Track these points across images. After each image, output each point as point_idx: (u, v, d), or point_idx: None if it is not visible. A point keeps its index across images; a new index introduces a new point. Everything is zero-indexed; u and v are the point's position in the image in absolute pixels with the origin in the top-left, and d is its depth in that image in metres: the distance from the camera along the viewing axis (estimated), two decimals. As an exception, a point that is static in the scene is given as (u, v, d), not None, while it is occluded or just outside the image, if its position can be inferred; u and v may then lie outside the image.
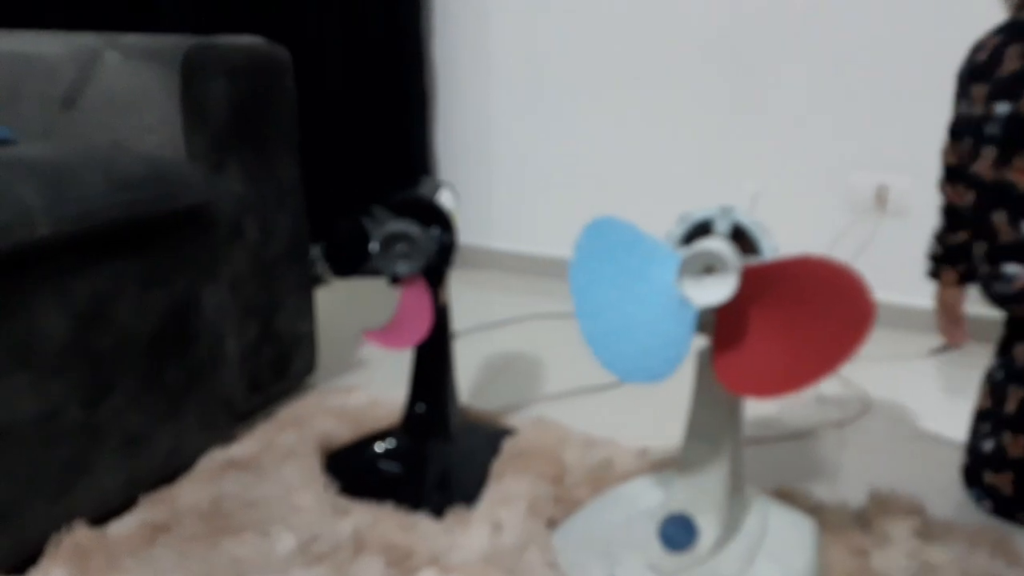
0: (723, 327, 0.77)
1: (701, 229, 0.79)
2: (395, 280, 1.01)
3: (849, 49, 1.62)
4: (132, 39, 1.07)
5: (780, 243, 0.78)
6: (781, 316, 0.74)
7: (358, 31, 1.93)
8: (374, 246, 0.97)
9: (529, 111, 1.98)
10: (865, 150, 1.66)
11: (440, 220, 0.99)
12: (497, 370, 1.48)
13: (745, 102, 1.74)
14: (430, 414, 1.10)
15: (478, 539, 0.95)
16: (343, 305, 1.44)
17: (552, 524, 0.98)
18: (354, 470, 1.08)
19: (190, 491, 1.03)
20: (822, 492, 1.07)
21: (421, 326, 1.01)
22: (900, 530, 0.97)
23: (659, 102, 1.83)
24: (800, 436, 1.25)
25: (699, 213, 0.78)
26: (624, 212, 1.87)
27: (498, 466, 1.09)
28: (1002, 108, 0.95)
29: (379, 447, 1.10)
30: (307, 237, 1.31)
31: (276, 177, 1.23)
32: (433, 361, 1.09)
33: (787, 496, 1.03)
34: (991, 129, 0.96)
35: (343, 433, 1.19)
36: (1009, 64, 0.94)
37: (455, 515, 1.00)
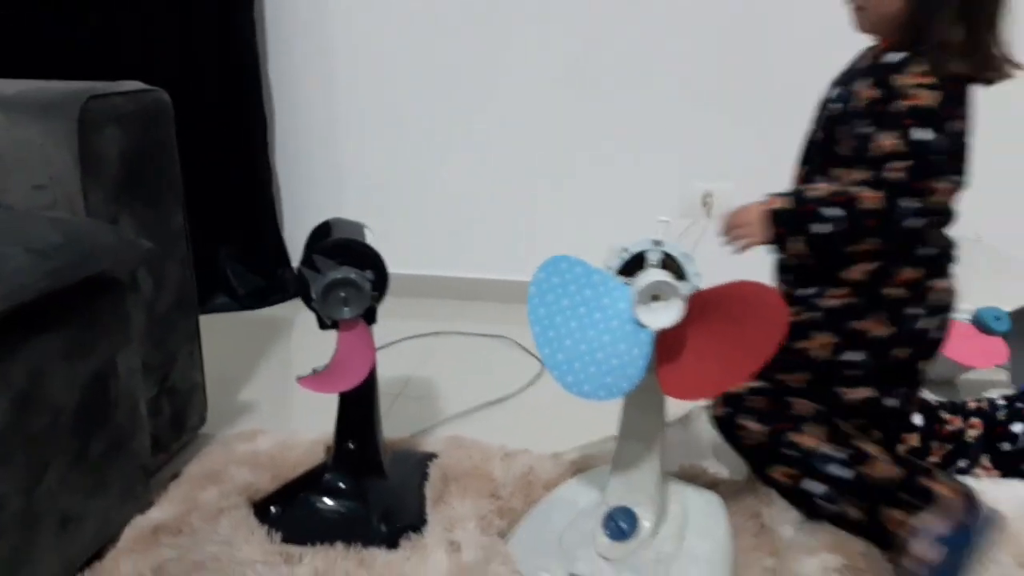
0: (665, 343, 0.89)
1: (635, 260, 0.91)
2: (331, 324, 1.03)
3: (680, 80, 1.84)
4: (9, 91, 0.99)
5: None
6: (714, 331, 0.88)
7: (192, 59, 1.86)
8: (316, 294, 0.99)
9: (377, 128, 2.01)
10: (693, 163, 1.89)
11: (374, 262, 1.03)
12: (392, 396, 1.52)
13: (592, 122, 1.90)
14: (361, 450, 1.13)
15: (440, 561, 1.01)
16: (205, 348, 1.41)
17: (502, 535, 1.06)
18: (294, 516, 1.08)
19: (127, 564, 0.98)
20: (712, 467, 1.24)
21: (363, 367, 1.04)
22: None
23: (511, 118, 1.95)
24: (683, 421, 1.42)
25: (634, 247, 0.90)
26: (477, 227, 1.98)
27: (432, 490, 1.15)
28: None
29: (314, 489, 1.11)
30: (194, 283, 1.27)
31: (164, 225, 1.18)
32: (361, 398, 1.12)
33: (691, 475, 1.19)
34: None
35: (263, 481, 1.17)
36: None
37: (409, 543, 1.04)
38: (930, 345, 1.10)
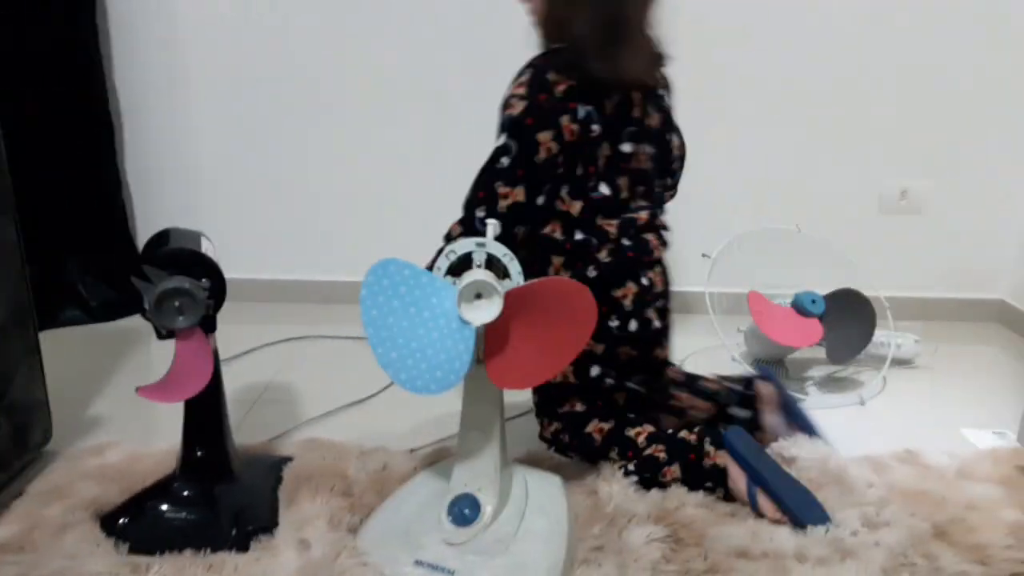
0: (490, 338, 0.96)
1: (463, 260, 0.97)
2: (168, 335, 1.04)
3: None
4: None
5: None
6: (533, 324, 0.95)
7: (29, 64, 1.78)
8: (148, 304, 0.99)
9: (232, 132, 1.99)
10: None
11: (210, 270, 1.04)
12: (248, 403, 1.53)
13: (435, 126, 1.96)
14: (209, 456, 1.14)
15: (290, 559, 1.04)
16: (54, 362, 1.37)
17: (353, 530, 1.10)
18: (142, 526, 1.08)
19: (-38, 588, 0.96)
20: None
21: (202, 376, 1.05)
22: (612, 471, 1.24)
23: (368, 119, 1.97)
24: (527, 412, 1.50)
25: (460, 248, 0.96)
26: (337, 230, 2.01)
27: (286, 492, 1.17)
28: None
29: (161, 498, 1.11)
30: (31, 299, 1.24)
31: (-6, 240, 1.15)
32: (208, 404, 1.13)
33: (535, 460, 1.26)
34: None
35: (111, 494, 1.16)
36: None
37: (259, 545, 1.07)
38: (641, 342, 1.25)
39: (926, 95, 1.91)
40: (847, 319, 1.64)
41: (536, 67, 1.14)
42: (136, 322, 1.96)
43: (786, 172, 1.97)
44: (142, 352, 1.79)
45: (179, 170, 2.02)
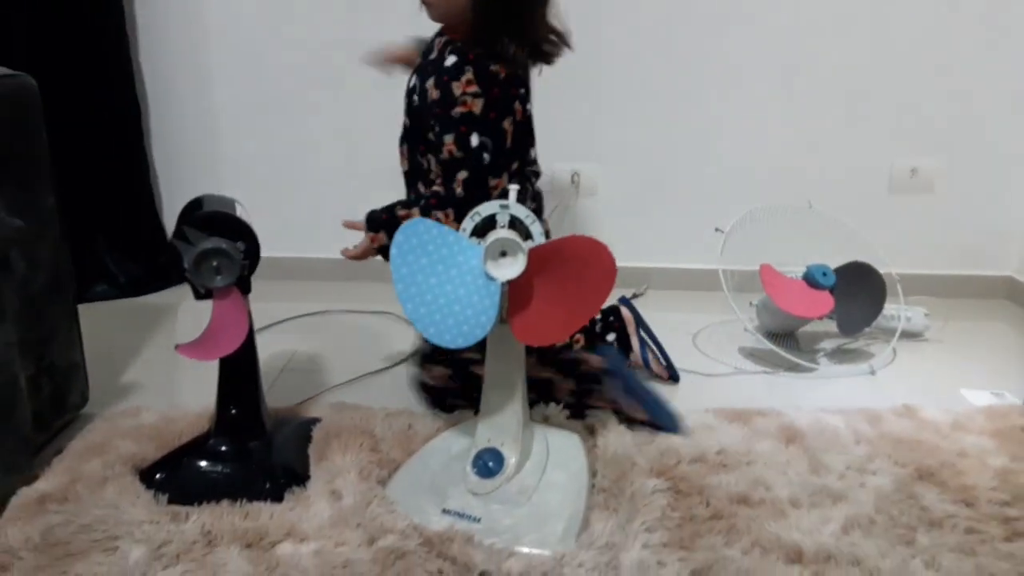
0: (514, 296, 1.00)
1: (487, 222, 1.01)
2: (206, 294, 1.09)
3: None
4: None
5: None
6: (555, 281, 0.99)
7: (59, 47, 1.84)
8: (188, 264, 1.04)
9: (254, 114, 2.03)
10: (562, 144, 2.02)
11: (245, 233, 1.09)
12: (276, 370, 1.58)
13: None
14: (243, 415, 1.19)
15: (322, 508, 1.09)
16: (86, 334, 1.43)
17: (382, 483, 1.14)
18: (179, 480, 1.13)
19: (13, 531, 1.01)
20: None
21: (238, 334, 1.10)
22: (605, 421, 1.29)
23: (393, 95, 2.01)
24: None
25: (485, 210, 1.01)
26: (360, 209, 2.05)
27: (316, 449, 1.22)
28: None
29: (198, 454, 1.16)
30: (69, 264, 1.29)
31: (35, 208, 1.20)
32: (241, 364, 1.18)
33: (547, 418, 1.30)
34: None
35: (148, 451, 1.21)
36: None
37: (293, 496, 1.12)
38: None
39: (936, 73, 1.93)
40: (858, 292, 1.68)
41: (476, 63, 1.21)
42: (162, 297, 2.03)
43: (796, 151, 2.00)
44: (169, 324, 1.84)
45: (203, 153, 2.07)
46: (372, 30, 1.96)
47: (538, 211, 1.38)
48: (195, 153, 2.07)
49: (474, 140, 1.20)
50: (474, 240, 1.00)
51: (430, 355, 1.35)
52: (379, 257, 1.31)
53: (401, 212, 1.28)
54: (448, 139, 1.21)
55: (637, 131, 2.02)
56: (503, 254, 0.97)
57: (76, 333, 1.32)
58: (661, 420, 1.30)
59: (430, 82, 1.24)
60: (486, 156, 1.21)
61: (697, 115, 2.01)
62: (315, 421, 1.31)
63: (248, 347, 1.15)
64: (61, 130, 1.83)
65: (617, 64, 1.97)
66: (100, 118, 1.92)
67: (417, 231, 0.98)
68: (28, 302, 1.18)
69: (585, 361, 1.33)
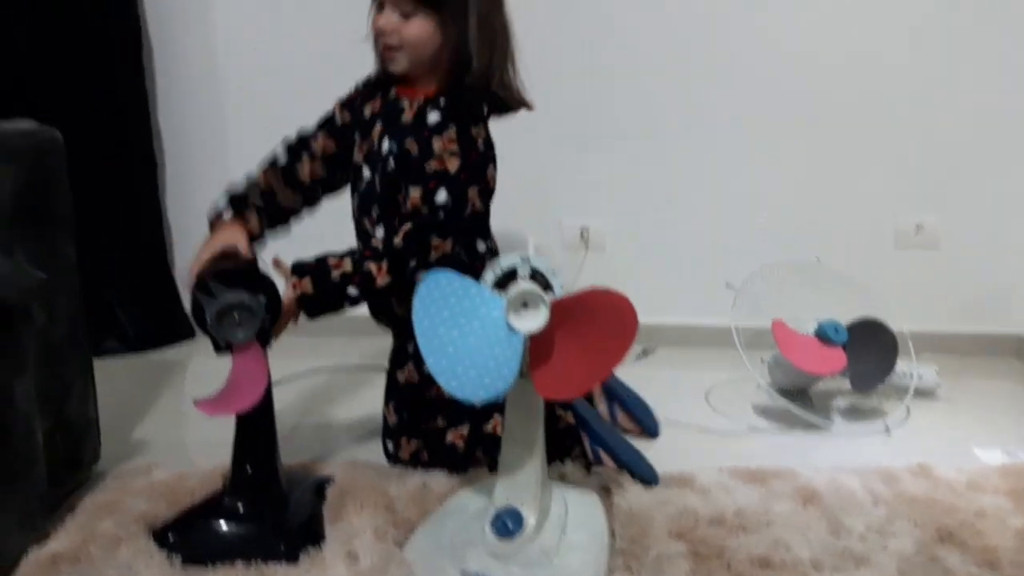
0: (536, 349, 1.00)
1: (508, 274, 1.02)
2: (226, 347, 1.09)
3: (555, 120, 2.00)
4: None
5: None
6: (577, 334, 1.00)
7: (77, 100, 1.88)
8: (210, 318, 1.05)
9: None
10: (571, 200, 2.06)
11: (266, 287, 1.10)
12: (290, 427, 1.56)
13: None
14: (259, 473, 1.17)
15: (340, 571, 1.06)
16: (98, 386, 1.43)
17: (399, 544, 1.12)
18: (194, 540, 1.11)
19: (25, 593, 0.99)
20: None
21: (257, 388, 1.09)
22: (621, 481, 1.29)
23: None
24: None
25: (506, 262, 1.02)
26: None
27: (331, 508, 1.20)
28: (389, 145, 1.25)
29: (212, 513, 1.14)
30: (85, 318, 1.29)
31: (56, 259, 1.21)
32: (258, 421, 1.17)
33: (564, 476, 1.29)
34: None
35: (161, 510, 1.19)
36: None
37: (308, 558, 1.09)
38: None
39: (938, 130, 1.98)
40: (869, 348, 1.68)
41: (460, 123, 1.22)
42: (172, 353, 2.03)
43: (802, 207, 2.04)
44: (179, 381, 1.83)
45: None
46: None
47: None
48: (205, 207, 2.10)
49: (440, 197, 1.20)
50: (495, 292, 1.01)
51: (397, 428, 1.34)
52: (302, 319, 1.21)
53: (332, 261, 1.20)
54: (414, 192, 1.20)
55: (645, 188, 2.06)
56: (524, 305, 0.98)
57: (91, 388, 1.31)
58: (638, 470, 1.31)
59: (408, 141, 1.23)
60: (442, 215, 1.20)
61: (704, 172, 2.05)
62: (328, 479, 1.29)
63: (266, 403, 1.15)
64: (76, 182, 1.87)
65: (625, 121, 2.01)
66: (116, 171, 1.95)
67: (439, 283, 0.99)
68: (46, 354, 1.17)
69: (561, 417, 1.33)
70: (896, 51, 1.95)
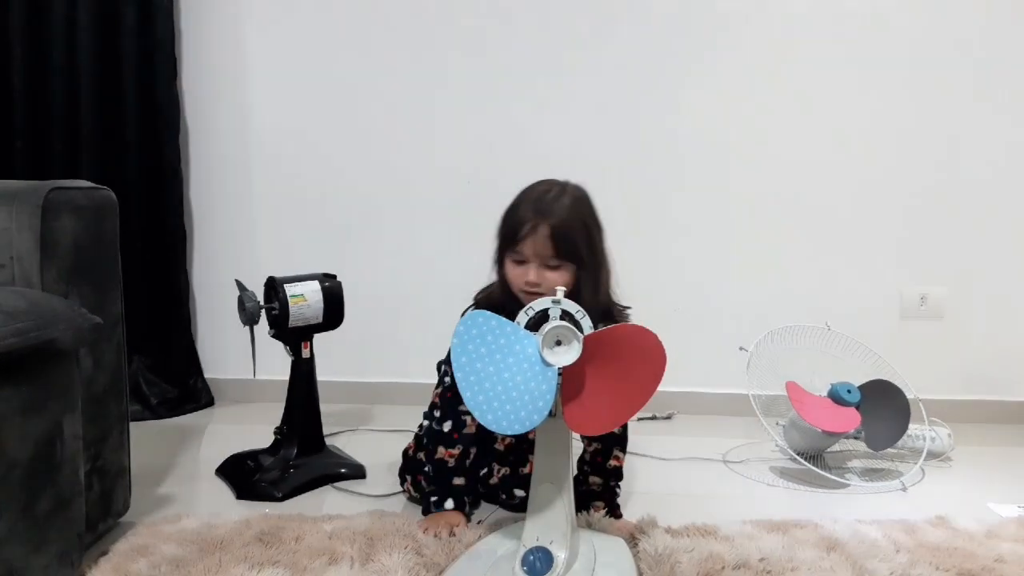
0: (567, 385, 1.05)
1: (541, 316, 1.08)
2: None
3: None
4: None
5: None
6: (608, 370, 1.05)
7: (114, 168, 1.99)
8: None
9: (295, 251, 2.13)
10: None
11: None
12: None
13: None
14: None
15: (372, 607, 1.07)
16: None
17: (429, 585, 1.14)
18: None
19: (63, 626, 1.00)
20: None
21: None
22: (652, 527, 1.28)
23: (420, 223, 2.13)
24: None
25: (538, 305, 1.08)
26: (385, 333, 2.04)
27: (360, 553, 1.22)
28: None
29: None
30: (126, 370, 1.34)
31: (105, 312, 1.27)
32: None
33: (591, 525, 1.31)
34: None
35: (192, 555, 1.21)
36: None
37: (341, 595, 1.11)
38: None
39: (939, 205, 2.08)
40: (883, 409, 1.71)
41: None
42: (192, 419, 2.06)
43: (809, 281, 2.11)
44: (197, 442, 1.86)
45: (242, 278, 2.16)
46: (414, 163, 2.11)
47: None
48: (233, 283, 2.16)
49: None
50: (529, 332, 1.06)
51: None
52: None
53: None
54: None
55: (658, 262, 2.13)
56: (558, 343, 1.03)
57: (126, 437, 1.34)
58: None
59: None
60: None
61: (715, 248, 2.13)
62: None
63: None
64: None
65: (638, 196, 2.11)
66: (147, 241, 2.03)
67: (476, 322, 1.04)
68: (90, 400, 1.22)
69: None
70: (901, 133, 2.07)
